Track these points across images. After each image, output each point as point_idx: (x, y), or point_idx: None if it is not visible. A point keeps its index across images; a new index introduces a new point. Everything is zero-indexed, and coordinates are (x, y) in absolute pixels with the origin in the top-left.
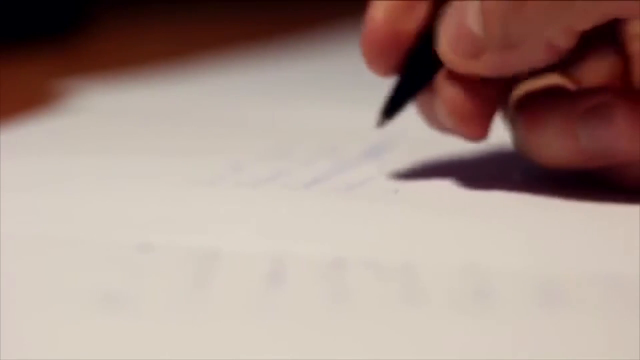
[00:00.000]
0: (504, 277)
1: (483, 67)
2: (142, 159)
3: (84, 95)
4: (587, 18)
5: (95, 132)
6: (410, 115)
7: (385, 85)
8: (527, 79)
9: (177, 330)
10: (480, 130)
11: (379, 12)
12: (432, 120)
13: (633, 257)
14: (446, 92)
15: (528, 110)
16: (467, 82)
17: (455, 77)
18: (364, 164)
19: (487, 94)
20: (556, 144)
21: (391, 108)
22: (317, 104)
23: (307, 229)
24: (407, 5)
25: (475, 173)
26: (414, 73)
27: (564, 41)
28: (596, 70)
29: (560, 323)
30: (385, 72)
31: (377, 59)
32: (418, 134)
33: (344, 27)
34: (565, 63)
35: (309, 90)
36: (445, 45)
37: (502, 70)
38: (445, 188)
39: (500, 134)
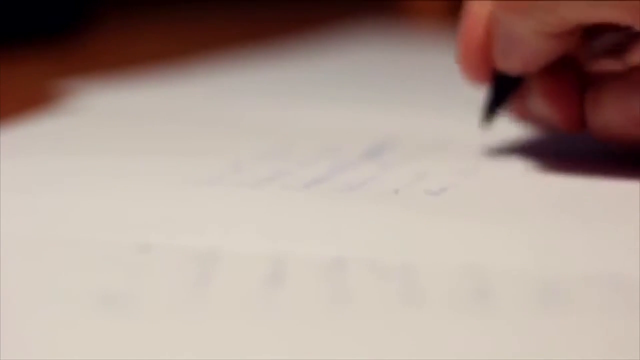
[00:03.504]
0: (504, 277)
1: (512, 65)
2: (142, 159)
3: (84, 95)
4: (561, 17)
5: (95, 132)
6: (409, 115)
7: (384, 85)
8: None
9: (177, 330)
10: (573, 116)
11: (472, 23)
12: (526, 116)
13: (633, 257)
14: (539, 85)
15: (588, 89)
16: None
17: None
18: (364, 164)
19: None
20: (616, 118)
21: (492, 108)
22: (317, 104)
23: (307, 229)
24: None
25: (475, 173)
26: (506, 76)
27: (554, 30)
28: None
29: (561, 323)
30: (478, 78)
31: (472, 67)
32: (418, 134)
33: (344, 28)
34: (616, 50)
35: (309, 90)
36: (492, 51)
37: (529, 63)
38: (445, 188)
39: (499, 136)
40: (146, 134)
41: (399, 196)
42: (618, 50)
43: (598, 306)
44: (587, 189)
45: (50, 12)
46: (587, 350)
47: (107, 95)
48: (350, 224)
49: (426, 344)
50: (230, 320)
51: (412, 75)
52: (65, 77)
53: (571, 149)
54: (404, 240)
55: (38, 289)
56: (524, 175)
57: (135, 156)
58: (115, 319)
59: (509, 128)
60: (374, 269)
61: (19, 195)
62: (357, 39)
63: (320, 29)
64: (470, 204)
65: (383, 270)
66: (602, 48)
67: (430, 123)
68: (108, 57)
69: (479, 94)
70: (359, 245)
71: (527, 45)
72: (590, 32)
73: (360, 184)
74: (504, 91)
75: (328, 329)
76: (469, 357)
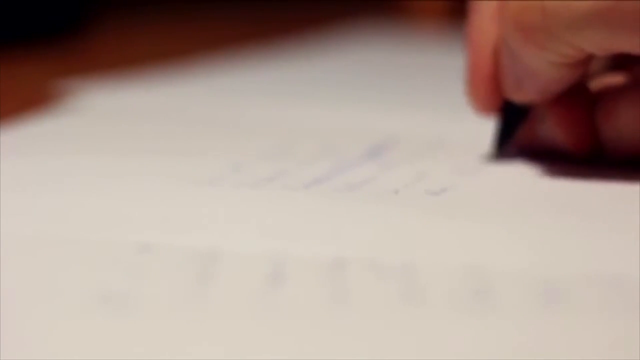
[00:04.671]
0: (504, 277)
1: (525, 95)
2: (141, 158)
3: (84, 95)
4: (573, 46)
5: (95, 132)
6: (409, 115)
7: (384, 85)
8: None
9: (177, 330)
10: (584, 138)
11: (478, 53)
12: (533, 142)
13: (633, 257)
14: (550, 111)
15: (602, 104)
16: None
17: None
18: (364, 164)
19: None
20: (630, 127)
21: (504, 138)
22: (317, 104)
23: (307, 229)
24: None
25: (475, 173)
26: (515, 105)
27: (568, 60)
28: None
29: (561, 323)
30: (488, 110)
31: (481, 99)
32: (418, 134)
33: (344, 28)
34: (620, 64)
35: (309, 90)
36: (502, 82)
37: (542, 92)
38: (446, 188)
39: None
40: (146, 134)
41: (399, 196)
42: (622, 64)
43: (598, 306)
44: (588, 189)
45: (50, 12)
46: (587, 349)
47: (107, 95)
48: (350, 224)
49: (426, 344)
50: (230, 320)
51: (412, 75)
52: (65, 77)
53: None
54: (404, 240)
55: (38, 288)
56: (524, 175)
57: (135, 156)
58: (115, 319)
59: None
60: (374, 269)
61: (19, 195)
62: (357, 39)
63: (320, 29)
64: (470, 204)
65: (383, 270)
66: (605, 64)
67: (431, 123)
68: (108, 57)
69: None
70: (359, 245)
71: (542, 76)
72: None
73: (360, 184)
74: (513, 120)
75: (328, 329)
76: (470, 356)
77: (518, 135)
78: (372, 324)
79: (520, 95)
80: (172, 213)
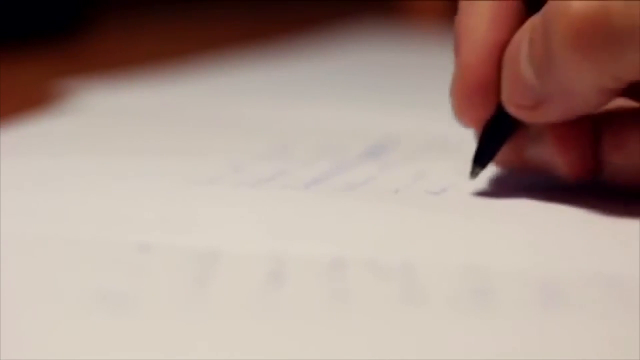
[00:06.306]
0: (504, 277)
1: (544, 115)
2: (141, 159)
3: (84, 95)
4: (636, 71)
5: (95, 132)
6: (409, 115)
7: (384, 85)
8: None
9: (177, 330)
10: (586, 165)
11: (472, 58)
12: (519, 162)
13: (633, 257)
14: (551, 133)
15: (609, 133)
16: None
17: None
18: (364, 164)
19: (583, 128)
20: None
21: (484, 157)
22: (317, 104)
23: (307, 229)
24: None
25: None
26: (503, 120)
27: (616, 86)
28: None
29: (561, 323)
30: (476, 123)
31: (469, 110)
32: (418, 134)
33: (343, 27)
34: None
35: (308, 90)
36: (506, 97)
37: (564, 116)
38: (446, 188)
39: None
40: (146, 134)
41: (399, 196)
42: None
43: (597, 306)
44: (587, 189)
45: (50, 12)
46: (587, 349)
47: (107, 95)
48: (350, 224)
49: (426, 344)
50: (230, 320)
51: (412, 75)
52: (65, 77)
53: None
54: (404, 240)
55: (38, 288)
56: (524, 176)
57: (135, 156)
58: (114, 319)
59: None
60: (374, 269)
61: (19, 195)
62: (357, 39)
63: (320, 29)
64: (470, 204)
65: (383, 270)
66: None
67: (430, 123)
68: (108, 57)
69: None
70: (359, 245)
71: (578, 98)
72: None
73: (360, 183)
74: (499, 136)
75: (328, 329)
76: (469, 356)
77: (500, 154)
78: (372, 324)
79: (535, 115)
80: (172, 213)
